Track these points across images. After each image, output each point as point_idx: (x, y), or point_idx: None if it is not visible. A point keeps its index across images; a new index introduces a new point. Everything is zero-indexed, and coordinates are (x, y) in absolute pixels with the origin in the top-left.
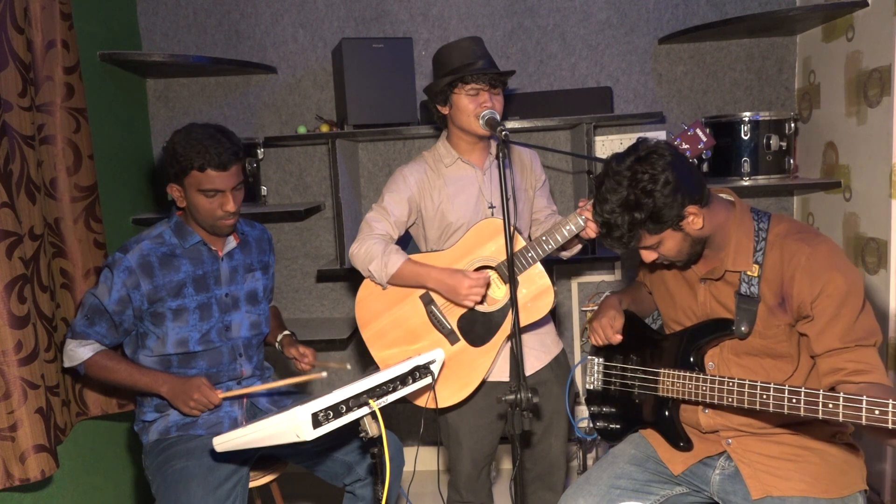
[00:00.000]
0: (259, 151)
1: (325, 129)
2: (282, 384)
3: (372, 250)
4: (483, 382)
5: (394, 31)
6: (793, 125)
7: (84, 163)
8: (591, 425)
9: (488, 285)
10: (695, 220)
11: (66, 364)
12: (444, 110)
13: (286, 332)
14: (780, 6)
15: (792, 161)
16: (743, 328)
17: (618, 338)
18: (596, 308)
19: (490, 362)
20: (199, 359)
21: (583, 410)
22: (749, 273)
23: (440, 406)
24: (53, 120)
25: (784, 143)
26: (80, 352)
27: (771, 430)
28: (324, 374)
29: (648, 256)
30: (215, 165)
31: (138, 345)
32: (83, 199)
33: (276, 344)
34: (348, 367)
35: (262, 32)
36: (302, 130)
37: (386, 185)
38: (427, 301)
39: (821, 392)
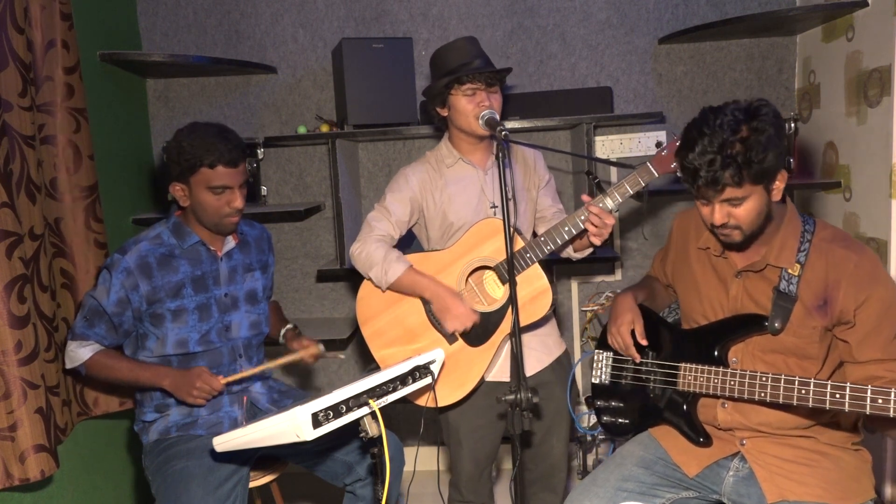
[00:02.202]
0: (259, 151)
1: (325, 129)
2: (281, 363)
3: (373, 256)
4: (482, 382)
5: (394, 31)
6: (793, 125)
7: (84, 163)
8: (596, 420)
9: (473, 326)
10: (778, 189)
11: (68, 365)
12: (444, 112)
13: (289, 326)
14: (780, 6)
15: (792, 161)
16: (776, 324)
17: (643, 343)
18: (596, 306)
19: (487, 362)
20: (199, 359)
21: (583, 409)
22: (790, 271)
23: (438, 405)
24: (53, 120)
25: (784, 143)
26: (80, 352)
27: (786, 432)
28: (342, 355)
29: (720, 216)
30: (226, 162)
31: (138, 346)
32: (83, 199)
33: (280, 338)
34: (342, 356)
35: (262, 32)
36: (302, 130)
37: (389, 185)
38: (427, 301)
39: (869, 388)
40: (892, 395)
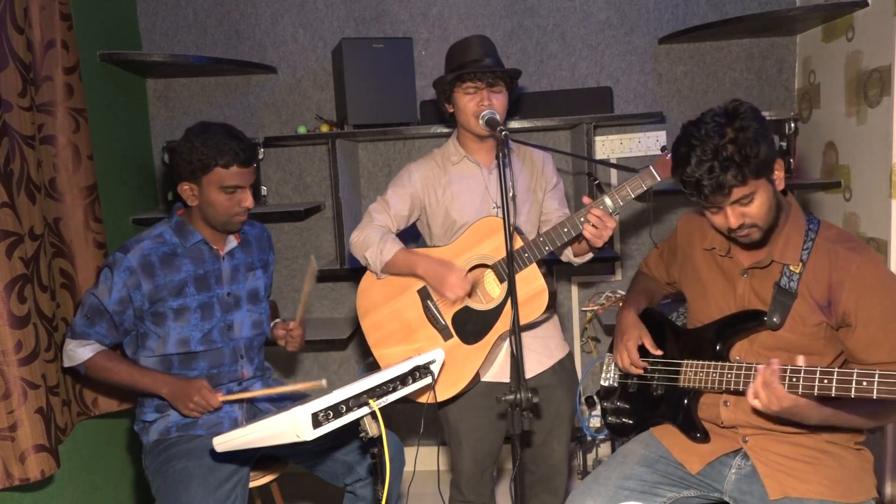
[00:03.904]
0: (259, 151)
1: (325, 129)
2: (281, 391)
3: (369, 238)
4: (476, 380)
5: (394, 31)
6: (793, 125)
7: (84, 163)
8: (602, 421)
9: (472, 292)
10: (779, 176)
11: (66, 364)
12: (450, 109)
13: (276, 321)
14: (780, 6)
15: (792, 161)
16: (775, 319)
17: (657, 353)
18: (596, 307)
19: (481, 360)
20: (201, 359)
21: (584, 411)
22: (792, 268)
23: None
24: (53, 120)
25: (784, 143)
26: (80, 352)
27: (789, 430)
28: (323, 382)
29: (735, 219)
30: (240, 162)
31: (138, 345)
32: (83, 199)
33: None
34: (324, 383)
35: (262, 32)
36: (302, 130)
37: (392, 179)
38: (424, 296)
39: (854, 371)
40: (877, 376)
